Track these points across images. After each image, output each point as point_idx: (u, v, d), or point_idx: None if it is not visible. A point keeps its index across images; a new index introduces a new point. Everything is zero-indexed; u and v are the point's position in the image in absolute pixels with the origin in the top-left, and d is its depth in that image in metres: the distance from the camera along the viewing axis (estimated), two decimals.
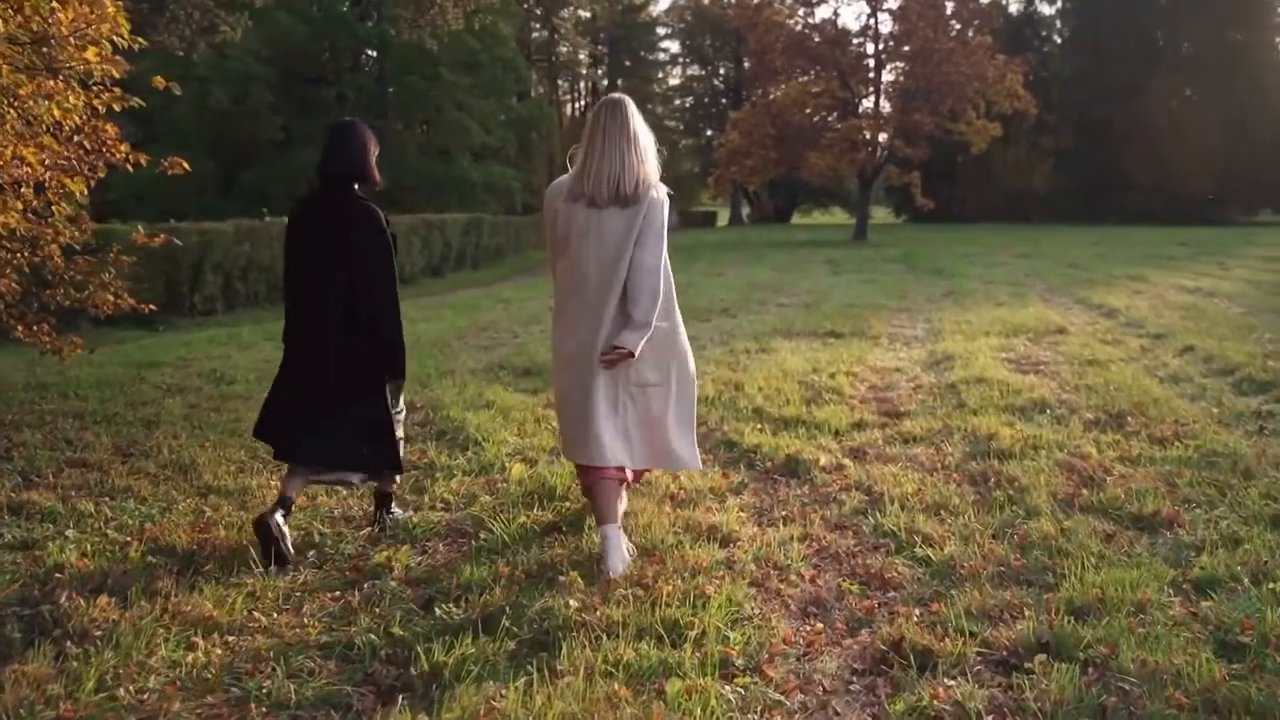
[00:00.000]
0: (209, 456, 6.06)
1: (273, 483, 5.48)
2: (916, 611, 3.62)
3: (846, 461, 5.70)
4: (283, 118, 41.54)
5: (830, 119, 43.03)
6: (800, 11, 42.98)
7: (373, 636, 3.40)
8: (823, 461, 5.63)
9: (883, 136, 40.42)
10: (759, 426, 6.60)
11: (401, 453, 4.70)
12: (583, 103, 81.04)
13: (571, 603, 3.53)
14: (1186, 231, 44.51)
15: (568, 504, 4.90)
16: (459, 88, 42.17)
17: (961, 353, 9.41)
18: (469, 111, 43.58)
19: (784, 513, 4.84)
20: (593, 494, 4.19)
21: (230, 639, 3.44)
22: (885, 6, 41.87)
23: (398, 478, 4.89)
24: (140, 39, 6.60)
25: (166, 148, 35.81)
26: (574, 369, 4.17)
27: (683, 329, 4.37)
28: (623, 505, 4.34)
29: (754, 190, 67.72)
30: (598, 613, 3.47)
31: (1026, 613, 3.54)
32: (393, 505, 4.83)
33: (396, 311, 4.54)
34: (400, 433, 4.72)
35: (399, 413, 4.74)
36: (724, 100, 77.51)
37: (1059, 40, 76.49)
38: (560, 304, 4.27)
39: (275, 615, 3.66)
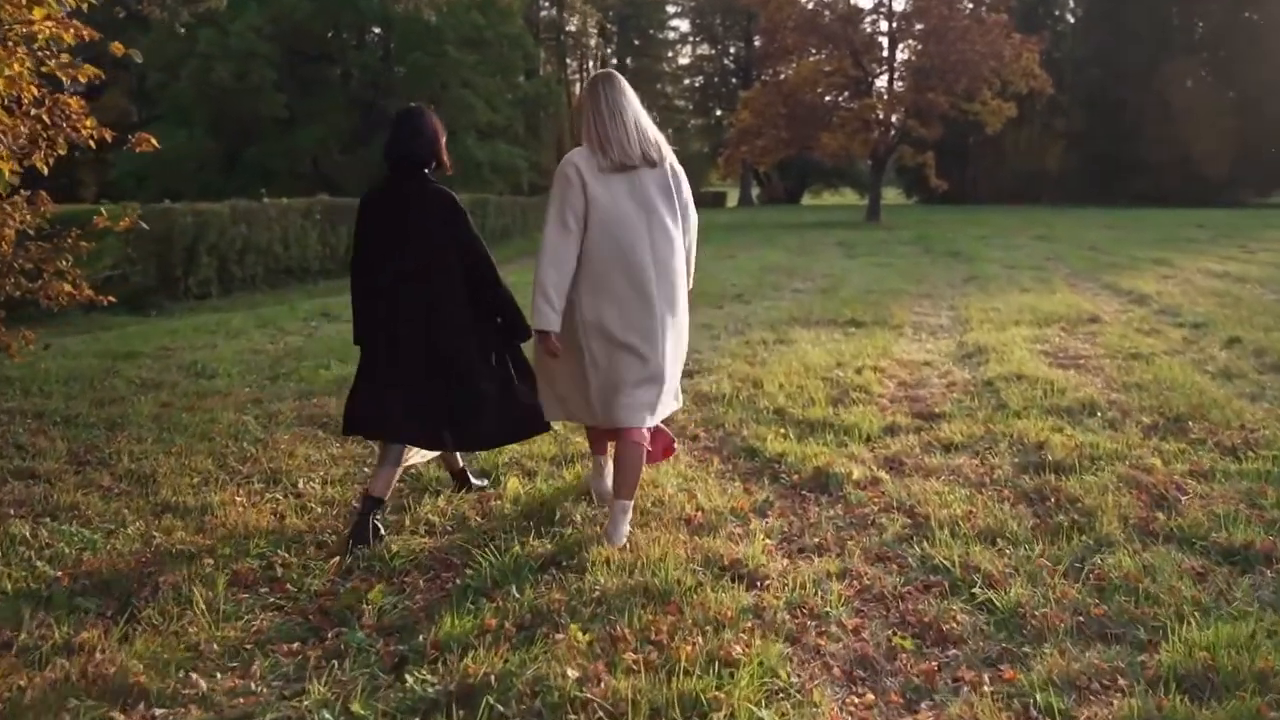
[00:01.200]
0: (171, 466, 5.46)
1: (237, 498, 4.90)
2: (986, 678, 3.01)
3: (882, 474, 5.09)
4: (286, 95, 40.88)
5: (843, 98, 42.25)
6: None
7: (327, 716, 2.79)
8: (856, 475, 5.01)
9: (896, 116, 39.56)
10: (782, 431, 5.99)
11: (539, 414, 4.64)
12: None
13: (570, 673, 2.90)
14: (1202, 213, 43.74)
15: (569, 531, 4.30)
16: (465, 65, 41.43)
17: (994, 345, 8.77)
18: (475, 89, 42.86)
19: (816, 540, 4.23)
20: (630, 462, 4.26)
21: (158, 713, 2.85)
22: None
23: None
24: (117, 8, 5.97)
25: (169, 125, 35.34)
26: (634, 330, 4.16)
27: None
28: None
29: (764, 171, 66.84)
30: (601, 685, 2.86)
31: (1122, 682, 2.93)
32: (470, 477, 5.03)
33: (498, 278, 4.51)
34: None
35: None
36: (734, 80, 76.58)
37: (1072, 20, 75.40)
38: (602, 271, 4.15)
39: (218, 677, 3.07)
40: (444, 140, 4.55)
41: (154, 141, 6.54)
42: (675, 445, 4.89)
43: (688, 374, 7.82)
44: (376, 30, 46.30)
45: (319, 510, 4.76)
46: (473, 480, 5.02)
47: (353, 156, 43.15)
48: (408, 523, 4.50)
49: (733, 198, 75.42)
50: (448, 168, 4.60)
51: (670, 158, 4.28)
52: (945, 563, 3.85)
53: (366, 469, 5.48)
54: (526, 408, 4.54)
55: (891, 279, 16.02)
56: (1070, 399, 6.55)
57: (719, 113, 78.25)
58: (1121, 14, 66.39)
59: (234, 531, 4.40)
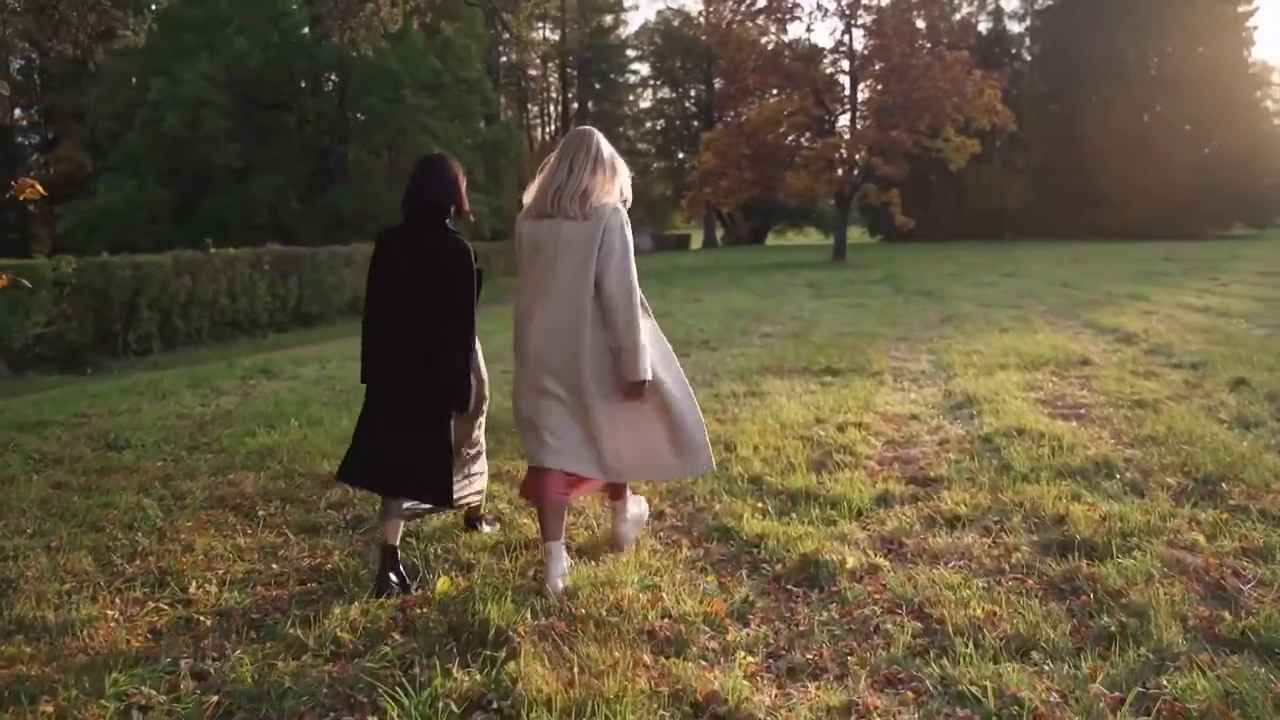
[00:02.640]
0: (43, 568, 4.62)
1: (110, 612, 4.06)
2: None
3: (881, 561, 4.33)
4: (240, 144, 39.99)
5: (805, 138, 41.92)
6: (772, 29, 41.93)
7: None
8: (850, 563, 4.25)
9: (860, 154, 39.22)
10: (759, 504, 5.23)
11: (466, 487, 4.78)
12: (553, 127, 79.93)
13: None
14: (1166, 246, 43.67)
15: (503, 655, 3.49)
16: (423, 110, 40.72)
17: (984, 393, 8.07)
18: (434, 135, 42.10)
19: (810, 655, 3.45)
20: (551, 511, 4.31)
21: None
22: (859, 22, 40.85)
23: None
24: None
25: (121, 176, 34.33)
26: (538, 375, 4.30)
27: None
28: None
29: (728, 212, 66.54)
30: None
31: None
32: (481, 523, 5.09)
33: (467, 348, 4.49)
34: (479, 466, 4.93)
35: (476, 449, 4.91)
36: (695, 123, 76.45)
37: (1029, 58, 76.00)
38: (524, 312, 4.35)
39: None
40: (464, 187, 4.62)
41: (39, 187, 5.73)
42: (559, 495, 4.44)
43: None
44: (333, 77, 45.61)
45: (207, 624, 3.93)
46: (484, 527, 5.08)
47: (310, 205, 42.35)
48: (311, 642, 3.68)
49: (697, 240, 75.10)
50: (468, 215, 4.69)
51: (609, 216, 4.20)
52: (973, 689, 3.07)
53: (275, 565, 4.67)
54: (438, 475, 4.48)
55: (864, 321, 15.37)
56: (1081, 458, 5.83)
57: (681, 155, 78.06)
58: (1077, 50, 66.96)
59: (95, 659, 3.58)
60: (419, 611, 3.93)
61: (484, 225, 44.55)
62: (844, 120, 42.87)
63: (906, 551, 4.46)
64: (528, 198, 4.39)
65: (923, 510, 5.07)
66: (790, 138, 41.86)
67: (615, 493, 4.73)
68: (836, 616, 3.79)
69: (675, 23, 77.47)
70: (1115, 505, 4.91)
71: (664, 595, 3.95)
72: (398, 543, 4.42)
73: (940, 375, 9.59)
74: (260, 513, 5.58)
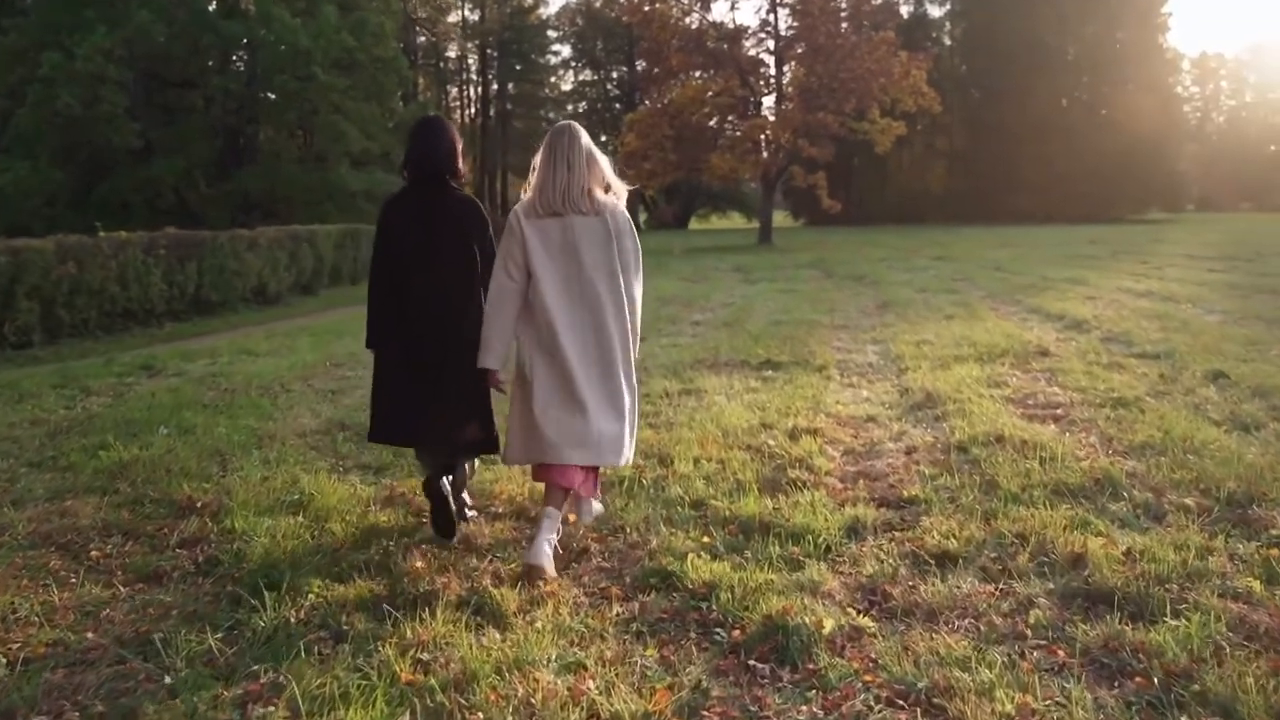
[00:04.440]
0: None
1: None
2: None
3: (864, 622, 3.42)
4: (142, 123, 37.98)
5: (730, 119, 41.15)
6: (696, 8, 41.03)
7: None
8: (827, 626, 3.34)
9: (785, 137, 38.51)
10: (705, 539, 4.31)
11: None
12: (473, 109, 78.21)
13: None
14: (1088, 230, 43.84)
15: None
16: (335, 89, 39.04)
17: (946, 391, 7.25)
18: (347, 115, 40.53)
19: None
20: (556, 491, 4.28)
21: None
22: (784, 1, 40.13)
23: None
24: None
25: (12, 157, 32.29)
26: (570, 375, 4.24)
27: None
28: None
29: (651, 195, 65.61)
30: None
31: None
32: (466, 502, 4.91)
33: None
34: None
35: None
36: (618, 105, 75.41)
37: (949, 42, 76.17)
38: (541, 316, 4.27)
39: None
40: (460, 149, 4.63)
41: None
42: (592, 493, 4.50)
43: None
44: (242, 54, 43.63)
45: None
46: (466, 513, 4.86)
47: (218, 188, 40.52)
48: None
49: None
50: (463, 178, 4.68)
51: (613, 210, 4.31)
52: None
53: (90, 634, 3.63)
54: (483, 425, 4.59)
55: (799, 307, 14.57)
56: (1077, 472, 5.00)
57: (604, 138, 76.89)
58: (997, 36, 67.26)
59: None
60: None
61: None
62: (769, 102, 42.24)
63: (894, 606, 3.56)
64: (526, 197, 4.35)
65: (903, 544, 4.19)
66: (714, 119, 41.07)
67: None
68: (820, 713, 2.86)
69: (597, 3, 76.16)
70: (1135, 537, 4.08)
71: (590, 681, 3.00)
72: (447, 490, 4.42)
73: (891, 368, 8.77)
74: (93, 553, 4.51)
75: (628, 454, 4.33)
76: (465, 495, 4.87)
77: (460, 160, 4.62)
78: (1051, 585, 3.67)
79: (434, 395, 4.48)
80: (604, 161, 4.38)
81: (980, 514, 4.47)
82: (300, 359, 11.17)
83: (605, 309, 4.24)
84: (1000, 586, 3.69)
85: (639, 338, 4.41)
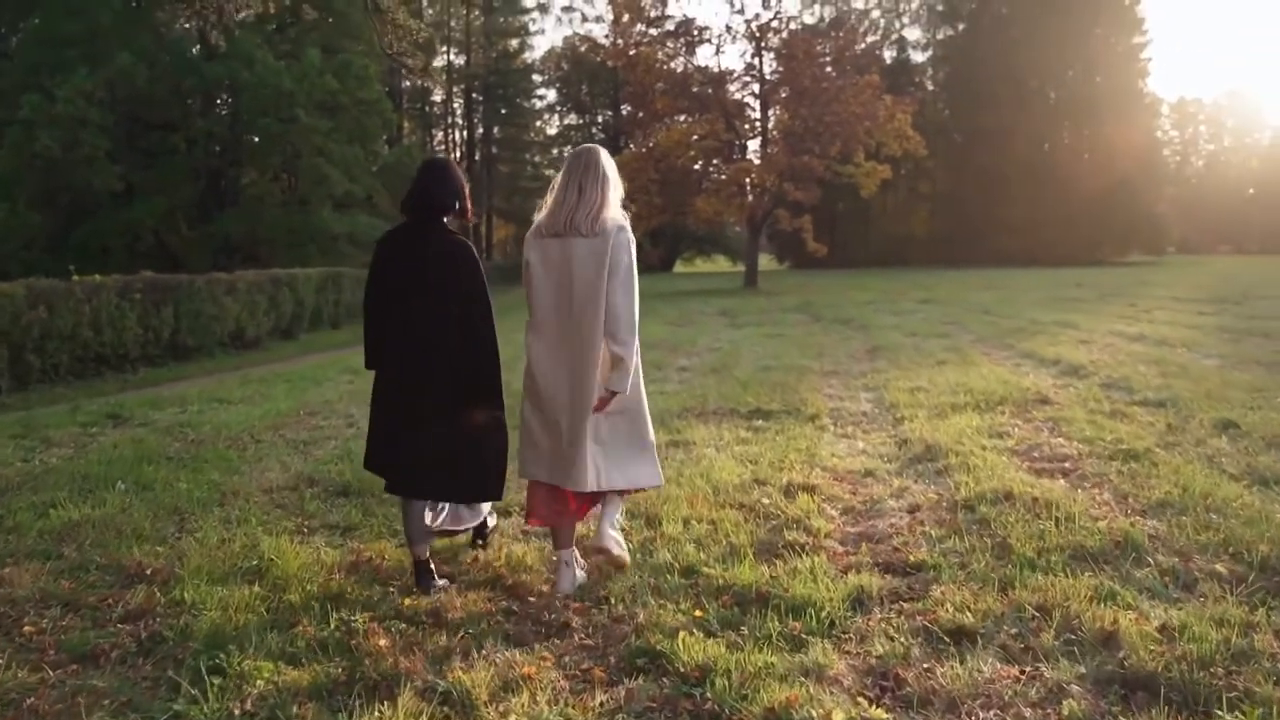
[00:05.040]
0: None
1: None
2: None
3: (878, 715, 3.06)
4: (123, 166, 37.64)
5: (715, 163, 41.09)
6: (681, 51, 41.05)
7: None
8: (836, 719, 2.97)
9: (770, 180, 38.44)
10: (697, 612, 3.94)
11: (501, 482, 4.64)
12: (457, 153, 78.16)
13: None
14: (1074, 273, 43.84)
15: None
16: (318, 132, 38.81)
17: (946, 443, 6.92)
18: (330, 158, 40.28)
19: None
20: (559, 525, 4.45)
21: None
22: (769, 45, 40.20)
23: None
24: None
25: None
26: (553, 397, 4.36)
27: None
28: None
29: (637, 238, 65.55)
30: None
31: None
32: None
33: (495, 348, 4.52)
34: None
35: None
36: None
37: (931, 87, 76.68)
38: (534, 333, 4.44)
39: None
40: (468, 191, 4.66)
41: None
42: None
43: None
44: (225, 97, 43.38)
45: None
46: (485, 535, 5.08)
47: (200, 231, 40.15)
48: None
49: None
50: (470, 217, 4.72)
51: (618, 226, 4.32)
52: None
53: None
54: (487, 472, 4.54)
55: (788, 352, 14.26)
56: (1095, 534, 4.66)
57: None
58: (979, 80, 67.77)
59: None
60: None
61: None
62: (754, 145, 42.24)
63: (909, 694, 3.20)
64: (539, 218, 4.45)
65: (913, 618, 3.83)
66: (700, 163, 41.00)
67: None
68: None
69: (582, 48, 76.43)
70: (1168, 610, 3.73)
71: None
72: (427, 558, 4.52)
73: (886, 418, 8.44)
74: (26, 628, 4.11)
75: (595, 480, 4.32)
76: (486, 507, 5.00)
77: (466, 201, 4.63)
78: (1083, 669, 3.31)
79: (403, 437, 4.48)
80: (615, 189, 4.43)
81: (996, 583, 4.11)
82: (274, 407, 10.78)
83: (592, 333, 4.26)
84: (1025, 669, 3.33)
85: (631, 344, 4.29)
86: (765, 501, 5.50)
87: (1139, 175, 67.57)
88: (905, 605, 3.98)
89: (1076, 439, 7.02)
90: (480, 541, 5.04)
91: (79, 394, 14.84)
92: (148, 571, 4.74)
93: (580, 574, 4.44)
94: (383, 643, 3.76)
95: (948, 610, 3.83)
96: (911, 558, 4.53)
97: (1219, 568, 4.19)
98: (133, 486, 6.69)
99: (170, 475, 7.04)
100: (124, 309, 18.55)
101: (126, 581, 4.66)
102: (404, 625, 3.97)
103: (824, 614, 3.83)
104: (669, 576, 4.37)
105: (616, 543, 4.49)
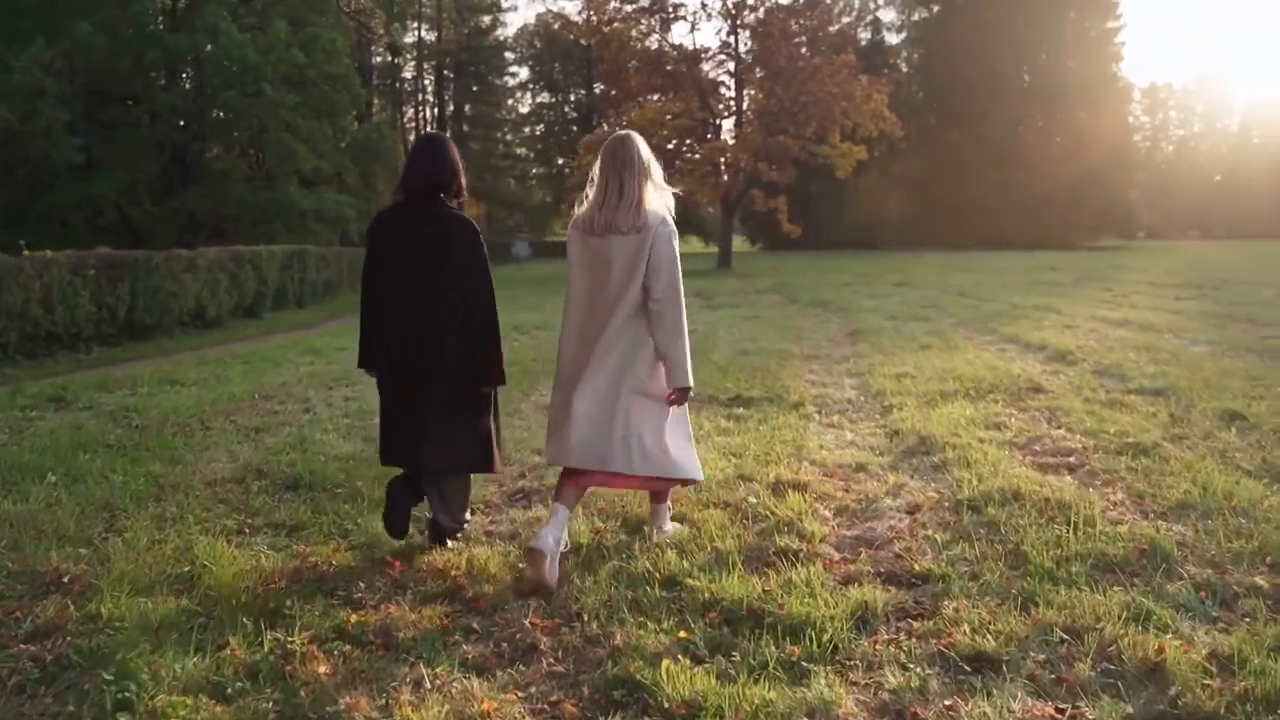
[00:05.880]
0: None
1: None
2: None
3: None
4: (83, 139, 36.63)
5: (689, 142, 40.56)
6: (656, 28, 40.46)
7: None
8: None
9: (745, 160, 37.95)
10: (682, 633, 3.49)
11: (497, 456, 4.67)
12: (429, 129, 77.13)
13: None
14: (1048, 256, 43.70)
15: None
16: (285, 106, 37.89)
17: (940, 434, 6.49)
18: (297, 133, 39.39)
19: None
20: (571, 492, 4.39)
21: None
22: (744, 23, 39.66)
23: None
24: None
25: None
26: (588, 385, 4.32)
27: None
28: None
29: None
30: None
31: None
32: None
33: (496, 323, 4.53)
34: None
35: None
36: (575, 128, 74.61)
37: (905, 69, 76.36)
38: (569, 327, 4.47)
39: None
40: (462, 169, 4.60)
41: None
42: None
43: (523, 495, 5.36)
44: (189, 69, 42.30)
45: None
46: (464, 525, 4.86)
47: (164, 206, 39.20)
48: None
49: None
50: (464, 196, 4.63)
51: (659, 221, 4.29)
52: None
53: None
54: (484, 443, 4.55)
55: (765, 335, 13.83)
56: (1116, 540, 4.23)
57: (561, 161, 76.18)
58: (953, 63, 67.52)
59: None
60: None
61: (351, 229, 41.94)
62: (729, 125, 41.76)
63: None
64: (581, 211, 4.44)
65: (926, 640, 3.39)
66: (674, 142, 40.44)
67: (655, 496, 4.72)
68: None
69: (555, 26, 75.44)
70: (1213, 635, 3.31)
71: None
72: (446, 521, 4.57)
73: (873, 406, 8.01)
74: None
75: (624, 464, 4.31)
76: (467, 515, 4.88)
77: (461, 179, 4.58)
78: (1129, 708, 2.87)
79: (414, 417, 4.46)
80: (656, 172, 4.40)
81: (1015, 598, 3.67)
82: (228, 390, 10.23)
83: (620, 337, 4.28)
84: (1062, 708, 2.89)
85: (680, 338, 4.31)
86: (752, 500, 5.04)
87: (1111, 160, 67.65)
88: (915, 624, 3.54)
89: (1079, 431, 6.61)
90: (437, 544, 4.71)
91: (26, 374, 14.21)
92: (65, 579, 4.24)
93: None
94: (322, 669, 3.29)
95: (964, 632, 3.39)
96: (916, 566, 4.08)
97: (1259, 581, 3.77)
98: (64, 478, 6.16)
99: (106, 465, 6.51)
100: (77, 286, 17.86)
101: (39, 591, 4.15)
102: (348, 647, 3.49)
103: (825, 636, 3.38)
104: (649, 589, 3.90)
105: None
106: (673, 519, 4.78)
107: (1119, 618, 3.41)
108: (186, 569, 4.33)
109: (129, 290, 19.04)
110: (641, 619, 3.64)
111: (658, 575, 4.02)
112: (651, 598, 3.82)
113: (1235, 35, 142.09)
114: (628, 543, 4.50)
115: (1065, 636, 3.33)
